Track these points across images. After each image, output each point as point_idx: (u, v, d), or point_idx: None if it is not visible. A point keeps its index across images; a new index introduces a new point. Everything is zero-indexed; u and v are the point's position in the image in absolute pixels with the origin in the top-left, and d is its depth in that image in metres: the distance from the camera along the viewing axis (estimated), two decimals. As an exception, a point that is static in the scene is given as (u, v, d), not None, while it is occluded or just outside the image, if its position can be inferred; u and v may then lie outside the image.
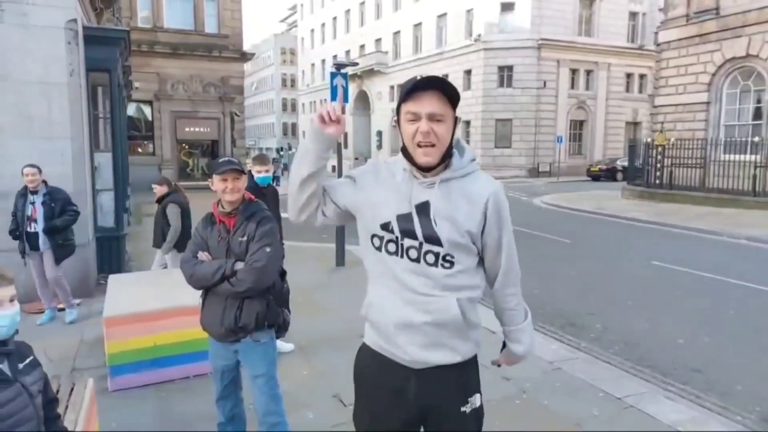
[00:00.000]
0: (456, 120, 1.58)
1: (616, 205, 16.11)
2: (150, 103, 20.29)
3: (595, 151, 33.83)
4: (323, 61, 53.12)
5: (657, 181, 17.76)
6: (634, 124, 34.65)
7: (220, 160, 2.61)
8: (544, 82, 31.45)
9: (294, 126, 68.88)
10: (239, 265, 2.48)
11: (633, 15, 34.29)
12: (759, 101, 16.44)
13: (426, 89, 1.50)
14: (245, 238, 2.51)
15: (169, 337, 3.81)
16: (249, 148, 36.22)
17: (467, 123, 33.76)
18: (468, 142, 33.75)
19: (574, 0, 32.05)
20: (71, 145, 5.73)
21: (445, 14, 35.12)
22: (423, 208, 1.57)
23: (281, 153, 50.43)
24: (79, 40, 5.89)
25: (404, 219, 1.58)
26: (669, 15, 18.78)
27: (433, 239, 1.55)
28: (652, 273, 7.87)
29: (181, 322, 3.81)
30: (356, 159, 35.67)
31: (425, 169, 1.57)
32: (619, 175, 26.20)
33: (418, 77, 1.53)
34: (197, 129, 20.95)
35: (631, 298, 6.58)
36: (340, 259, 7.76)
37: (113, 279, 4.72)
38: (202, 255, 2.57)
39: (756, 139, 15.73)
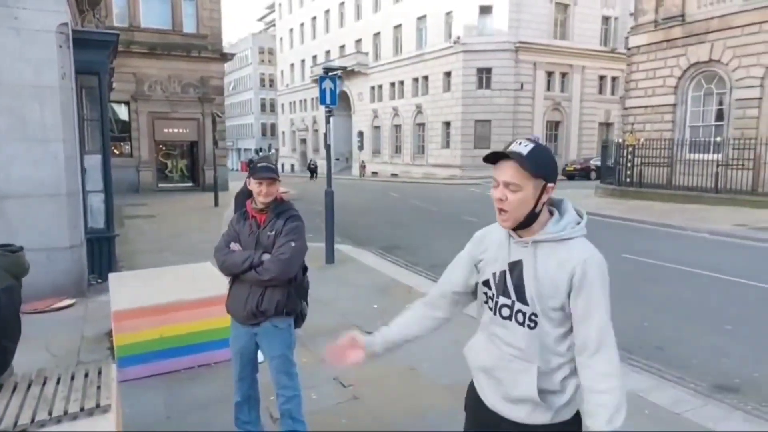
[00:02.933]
0: (545, 186, 1.57)
1: (590, 203, 16.69)
2: (127, 103, 20.14)
3: (570, 150, 34.69)
4: (303, 61, 53.13)
5: (628, 180, 18.44)
6: (607, 125, 35.61)
7: (259, 165, 2.90)
8: (522, 84, 32.14)
9: (273, 126, 68.56)
10: (266, 257, 2.77)
11: (606, 19, 35.25)
12: (721, 103, 17.22)
13: (507, 158, 1.55)
14: (273, 233, 2.81)
15: (174, 330, 4.05)
16: (228, 149, 36.02)
17: (447, 124, 34.28)
18: (448, 143, 34.27)
19: (550, 4, 32.84)
20: (64, 148, 5.87)
21: (424, 16, 35.56)
22: (516, 266, 1.62)
23: (260, 154, 50.27)
24: (69, 43, 6.04)
25: (500, 277, 1.65)
26: (638, 21, 19.50)
27: (522, 298, 1.60)
28: (624, 265, 8.36)
29: (185, 315, 4.07)
30: (337, 160, 35.77)
31: (520, 230, 1.62)
32: (593, 174, 26.98)
33: (509, 146, 1.57)
34: (176, 130, 20.89)
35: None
36: (330, 257, 8.03)
37: (114, 277, 4.92)
38: (234, 245, 2.87)
39: (718, 139, 16.53)
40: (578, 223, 1.65)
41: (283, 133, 60.35)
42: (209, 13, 20.86)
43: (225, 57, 21.91)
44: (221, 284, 4.40)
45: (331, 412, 3.54)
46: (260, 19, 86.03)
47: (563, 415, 1.63)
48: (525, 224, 1.59)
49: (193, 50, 20.42)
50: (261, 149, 53.12)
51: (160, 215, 13.84)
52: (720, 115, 17.28)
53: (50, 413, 2.24)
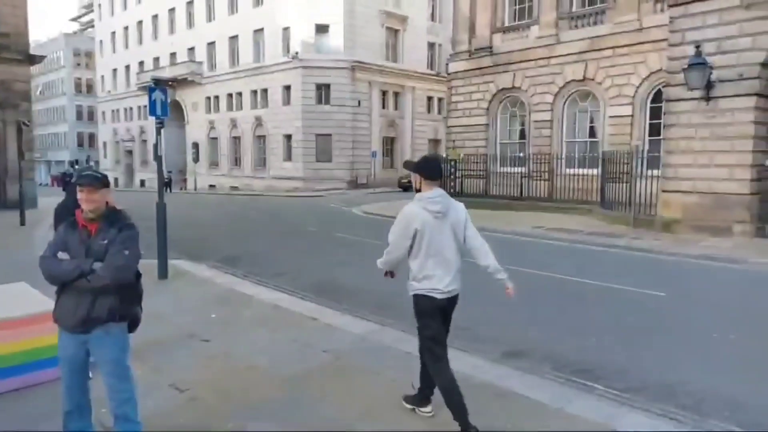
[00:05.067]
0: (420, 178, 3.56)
1: (420, 212, 18.28)
2: None
3: (404, 164, 37.31)
4: (128, 67, 49.13)
5: (452, 190, 20.51)
6: (436, 141, 39.06)
7: (82, 173, 2.91)
8: (359, 101, 33.81)
9: (92, 136, 61.94)
10: (97, 265, 2.79)
11: (431, 45, 38.82)
12: (523, 124, 20.23)
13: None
14: (106, 242, 2.83)
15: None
16: (36, 161, 31.63)
17: (288, 137, 34.50)
18: (290, 155, 34.51)
19: (382, 29, 35.16)
20: None
21: (262, 29, 35.50)
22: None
23: (75, 167, 44.99)
24: None
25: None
26: (455, 50, 22.03)
27: None
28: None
29: (4, 335, 3.80)
30: (169, 172, 33.65)
31: None
32: (424, 186, 29.37)
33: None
34: (-30, 139, 18.00)
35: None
36: (163, 272, 7.79)
37: None
38: (62, 254, 2.84)
39: (521, 155, 19.39)
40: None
41: (105, 143, 54.98)
42: (11, 9, 18.41)
43: (32, 59, 19.50)
44: (41, 303, 4.21)
45: (168, 415, 3.63)
46: (74, 19, 77.30)
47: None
48: None
49: (-8, 49, 17.88)
50: (77, 161, 47.39)
51: (-49, 238, 11.90)
52: (523, 134, 20.28)
53: None
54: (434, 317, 3.46)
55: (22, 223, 14.16)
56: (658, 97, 16.04)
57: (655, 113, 16.24)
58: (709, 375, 4.65)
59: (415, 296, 3.49)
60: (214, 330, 5.47)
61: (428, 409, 3.64)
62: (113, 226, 2.90)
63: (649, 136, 16.69)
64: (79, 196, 2.85)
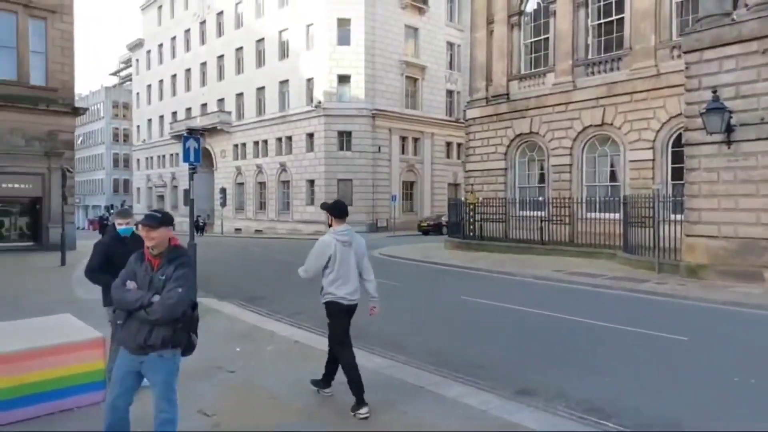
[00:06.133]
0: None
1: (439, 255, 18.54)
2: (-44, 156, 18.11)
3: (425, 208, 37.80)
4: (161, 117, 51.56)
5: (471, 234, 20.77)
6: (455, 185, 39.53)
7: (146, 213, 3.27)
8: (379, 147, 34.76)
9: (127, 182, 64.42)
10: (155, 298, 3.13)
11: (450, 92, 39.96)
12: (542, 168, 20.48)
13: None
14: (164, 278, 3.17)
15: (34, 376, 4.12)
16: (75, 205, 33.11)
17: (311, 182, 35.45)
18: (313, 200, 35.31)
19: (401, 77, 36.47)
20: None
21: (287, 80, 37.16)
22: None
23: (111, 211, 46.67)
24: None
25: None
26: (473, 96, 22.70)
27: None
28: (460, 304, 9.72)
29: (47, 361, 4.18)
30: (199, 216, 34.74)
31: None
32: (444, 229, 29.61)
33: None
34: (17, 185, 19.11)
35: (440, 321, 8.18)
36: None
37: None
38: (130, 284, 3.21)
39: (540, 198, 19.56)
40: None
41: (138, 189, 57.02)
42: (61, 67, 19.90)
43: (77, 111, 20.87)
44: (83, 331, 4.62)
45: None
46: (114, 73, 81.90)
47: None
48: None
49: (41, 103, 19.19)
50: (113, 206, 49.40)
51: (-4, 277, 12.60)
52: (542, 178, 20.44)
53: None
54: (342, 318, 4.61)
55: (63, 263, 14.90)
56: (679, 140, 15.96)
57: (677, 157, 16.03)
58: (721, 415, 4.73)
59: (328, 303, 4.60)
60: (239, 362, 5.80)
61: (329, 390, 4.81)
62: (171, 263, 3.21)
63: (672, 179, 16.57)
64: (141, 233, 3.22)
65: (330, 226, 4.68)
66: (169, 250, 3.26)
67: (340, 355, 4.56)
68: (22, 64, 19.08)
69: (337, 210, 4.69)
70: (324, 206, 4.87)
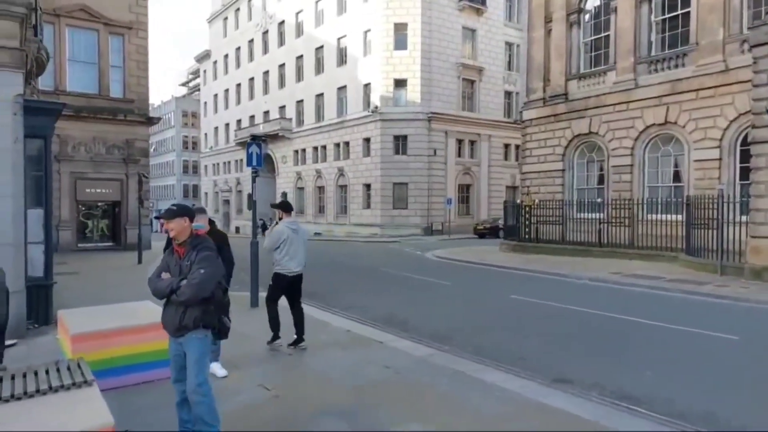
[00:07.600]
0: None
1: (494, 257, 18.55)
2: (47, 163, 19.97)
3: (481, 211, 37.58)
4: (227, 124, 54.09)
5: (527, 236, 20.60)
6: (513, 188, 38.98)
7: (167, 207, 3.68)
8: (435, 151, 34.95)
9: (196, 188, 67.93)
10: (183, 282, 3.44)
11: (508, 94, 39.55)
12: (602, 169, 20.05)
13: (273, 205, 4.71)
14: (189, 263, 3.49)
15: (121, 351, 4.78)
16: (149, 209, 35.47)
17: (368, 186, 36.16)
18: (369, 203, 36.04)
19: (458, 80, 36.52)
20: (13, 203, 6.49)
21: (345, 86, 38.11)
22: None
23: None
24: (21, 111, 6.78)
25: None
26: (530, 97, 22.52)
27: None
28: (509, 303, 9.85)
29: (132, 338, 4.84)
30: (262, 219, 36.23)
31: None
32: (501, 233, 29.31)
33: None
34: (99, 190, 20.89)
35: (487, 317, 8.39)
36: (254, 301, 8.88)
37: (64, 313, 5.55)
38: (165, 274, 3.61)
39: (599, 200, 19.16)
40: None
41: (206, 194, 59.97)
42: (137, 80, 21.58)
43: (151, 120, 22.51)
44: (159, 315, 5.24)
45: (257, 407, 4.43)
46: (183, 84, 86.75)
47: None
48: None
49: (120, 113, 20.90)
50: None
51: (84, 273, 13.90)
52: (601, 179, 20.03)
53: (50, 387, 3.04)
54: (282, 286, 6.31)
55: (140, 261, 16.24)
56: (748, 139, 15.38)
57: (747, 156, 15.40)
58: (759, 413, 4.72)
59: (276, 273, 6.27)
60: (296, 348, 6.30)
61: (279, 341, 6.36)
62: (194, 249, 3.52)
63: (741, 179, 15.90)
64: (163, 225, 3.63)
65: (281, 219, 6.32)
66: (192, 238, 3.55)
67: (269, 308, 6.27)
68: (103, 78, 20.83)
69: (285, 207, 6.48)
70: (273, 205, 6.63)
